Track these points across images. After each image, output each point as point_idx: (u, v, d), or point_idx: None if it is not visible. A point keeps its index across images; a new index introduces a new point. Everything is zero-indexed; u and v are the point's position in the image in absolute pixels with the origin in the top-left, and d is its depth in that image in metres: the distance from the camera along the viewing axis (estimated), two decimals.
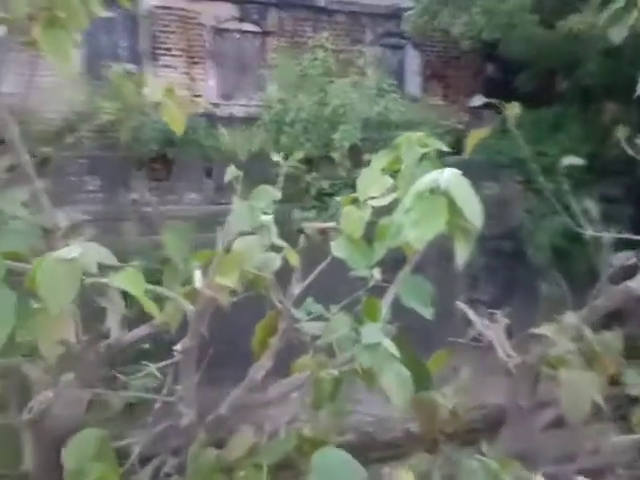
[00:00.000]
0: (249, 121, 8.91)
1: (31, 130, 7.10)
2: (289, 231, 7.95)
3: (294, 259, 2.09)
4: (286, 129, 8.39)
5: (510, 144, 6.92)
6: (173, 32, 9.54)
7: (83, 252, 1.25)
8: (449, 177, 1.54)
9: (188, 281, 1.94)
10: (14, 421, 2.03)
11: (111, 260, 1.37)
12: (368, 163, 2.09)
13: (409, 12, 10.08)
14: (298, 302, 2.26)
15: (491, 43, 8.73)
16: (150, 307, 1.40)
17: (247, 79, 10.13)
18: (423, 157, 1.89)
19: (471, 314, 2.84)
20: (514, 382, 2.56)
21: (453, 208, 1.50)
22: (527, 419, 2.56)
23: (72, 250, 1.24)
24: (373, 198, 1.96)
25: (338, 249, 1.98)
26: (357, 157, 8.69)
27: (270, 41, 10.24)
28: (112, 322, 2.05)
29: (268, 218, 1.97)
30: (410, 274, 2.03)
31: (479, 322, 2.77)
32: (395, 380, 1.73)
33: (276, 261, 1.99)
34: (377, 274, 2.09)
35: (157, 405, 2.27)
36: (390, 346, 1.75)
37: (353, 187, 2.05)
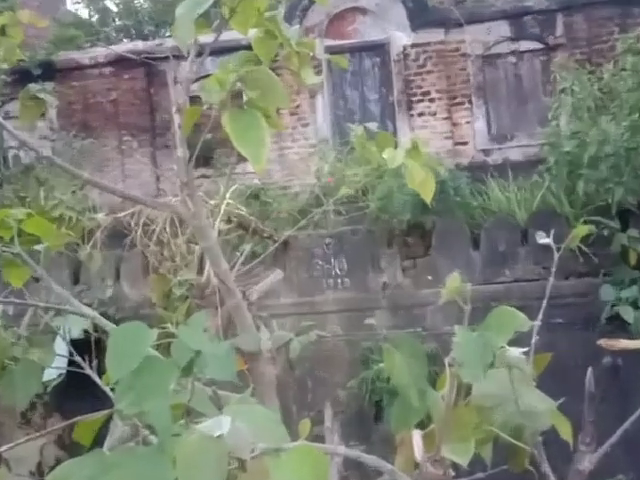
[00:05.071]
0: (531, 166, 7.14)
1: (272, 210, 6.63)
2: (593, 319, 5.49)
3: (567, 431, 1.38)
4: (584, 172, 6.60)
5: None
6: (430, 72, 8.35)
7: (233, 429, 0.95)
8: None
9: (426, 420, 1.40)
10: None
11: (274, 436, 1.00)
12: None
13: None
14: None
15: None
16: None
17: (526, 112, 8.28)
18: None
19: None
20: None
21: None
22: None
23: (220, 423, 0.96)
24: None
25: None
26: None
27: (557, 57, 8.15)
28: None
29: (518, 353, 1.27)
30: None
31: None
32: None
33: (544, 419, 1.35)
34: None
35: None
36: None
37: None
